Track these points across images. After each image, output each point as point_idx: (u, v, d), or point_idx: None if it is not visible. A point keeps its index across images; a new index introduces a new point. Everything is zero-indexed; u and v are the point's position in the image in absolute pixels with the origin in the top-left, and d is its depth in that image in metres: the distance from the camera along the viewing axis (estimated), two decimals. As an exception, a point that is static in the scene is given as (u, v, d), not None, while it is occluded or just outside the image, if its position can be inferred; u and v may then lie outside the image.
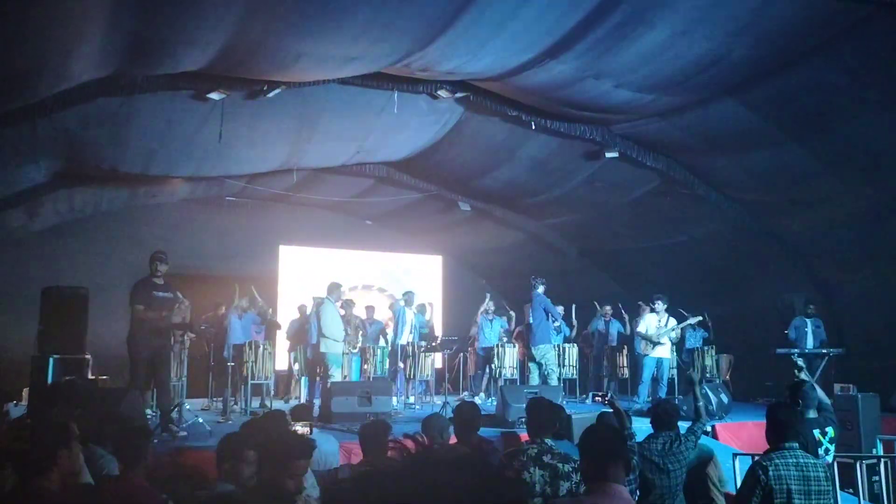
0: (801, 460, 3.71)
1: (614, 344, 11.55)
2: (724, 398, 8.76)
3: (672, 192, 10.23)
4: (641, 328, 9.84)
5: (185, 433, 7.09)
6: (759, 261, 10.86)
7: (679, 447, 4.55)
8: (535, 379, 9.79)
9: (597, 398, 4.79)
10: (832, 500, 3.68)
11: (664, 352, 9.71)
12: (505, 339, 10.82)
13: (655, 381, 9.68)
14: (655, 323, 9.72)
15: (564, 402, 9.28)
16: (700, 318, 10.00)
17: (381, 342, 10.99)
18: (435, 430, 4.74)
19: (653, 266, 12.15)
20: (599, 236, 12.55)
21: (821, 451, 4.94)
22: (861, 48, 6.72)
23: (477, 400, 10.11)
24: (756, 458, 4.09)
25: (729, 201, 10.15)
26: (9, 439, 2.56)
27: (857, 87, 7.24)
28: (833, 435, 5.23)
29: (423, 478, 0.98)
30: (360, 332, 10.75)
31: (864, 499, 6.10)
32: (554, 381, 9.56)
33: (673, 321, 9.73)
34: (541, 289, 9.97)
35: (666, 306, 9.79)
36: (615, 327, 11.67)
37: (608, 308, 11.77)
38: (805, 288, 10.62)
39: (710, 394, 8.30)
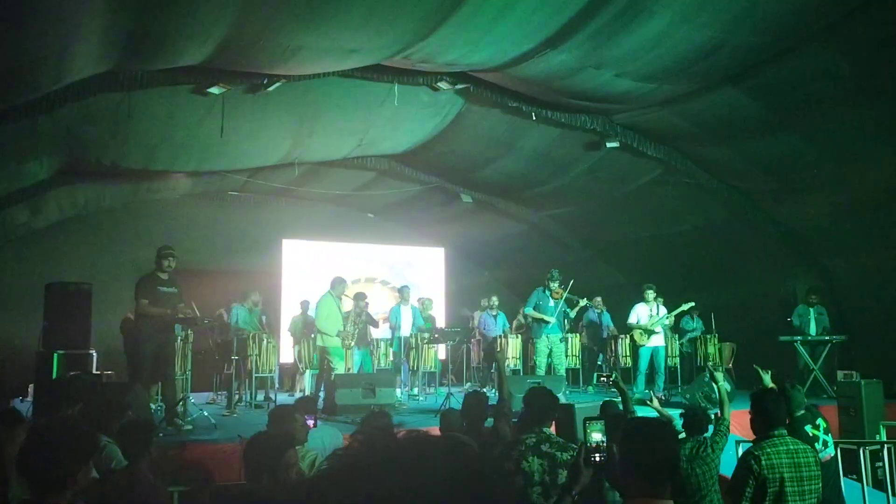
0: (792, 447, 3.69)
1: (605, 336, 11.52)
2: (728, 386, 8.76)
3: (673, 181, 10.21)
4: (633, 319, 9.80)
5: (190, 427, 7.14)
6: (761, 249, 10.85)
7: (706, 451, 4.48)
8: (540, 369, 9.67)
9: (601, 378, 4.78)
10: (820, 485, 3.67)
11: (659, 340, 9.71)
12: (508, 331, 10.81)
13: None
14: (647, 312, 9.71)
15: (567, 393, 9.32)
16: (692, 304, 9.94)
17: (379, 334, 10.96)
18: (453, 424, 4.78)
19: (655, 255, 12.14)
20: (601, 226, 12.54)
21: (819, 446, 4.89)
22: (861, 34, 6.69)
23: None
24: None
25: (730, 189, 10.14)
26: (29, 451, 2.43)
27: (857, 73, 7.20)
28: (826, 425, 5.19)
29: (378, 471, 0.93)
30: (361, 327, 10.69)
31: (867, 485, 6.12)
32: (539, 373, 9.37)
33: (664, 309, 9.72)
34: (551, 284, 9.51)
35: (655, 295, 9.77)
36: (607, 318, 11.66)
37: (598, 299, 11.73)
38: (807, 275, 10.61)
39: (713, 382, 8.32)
